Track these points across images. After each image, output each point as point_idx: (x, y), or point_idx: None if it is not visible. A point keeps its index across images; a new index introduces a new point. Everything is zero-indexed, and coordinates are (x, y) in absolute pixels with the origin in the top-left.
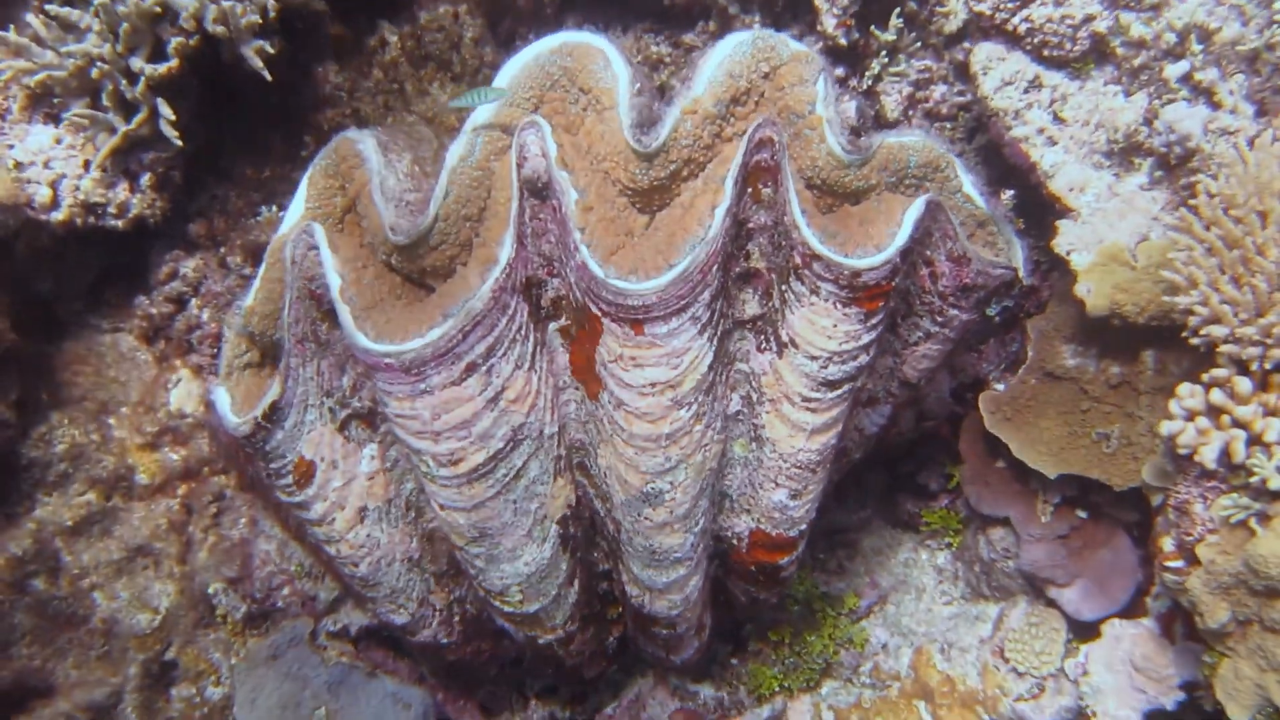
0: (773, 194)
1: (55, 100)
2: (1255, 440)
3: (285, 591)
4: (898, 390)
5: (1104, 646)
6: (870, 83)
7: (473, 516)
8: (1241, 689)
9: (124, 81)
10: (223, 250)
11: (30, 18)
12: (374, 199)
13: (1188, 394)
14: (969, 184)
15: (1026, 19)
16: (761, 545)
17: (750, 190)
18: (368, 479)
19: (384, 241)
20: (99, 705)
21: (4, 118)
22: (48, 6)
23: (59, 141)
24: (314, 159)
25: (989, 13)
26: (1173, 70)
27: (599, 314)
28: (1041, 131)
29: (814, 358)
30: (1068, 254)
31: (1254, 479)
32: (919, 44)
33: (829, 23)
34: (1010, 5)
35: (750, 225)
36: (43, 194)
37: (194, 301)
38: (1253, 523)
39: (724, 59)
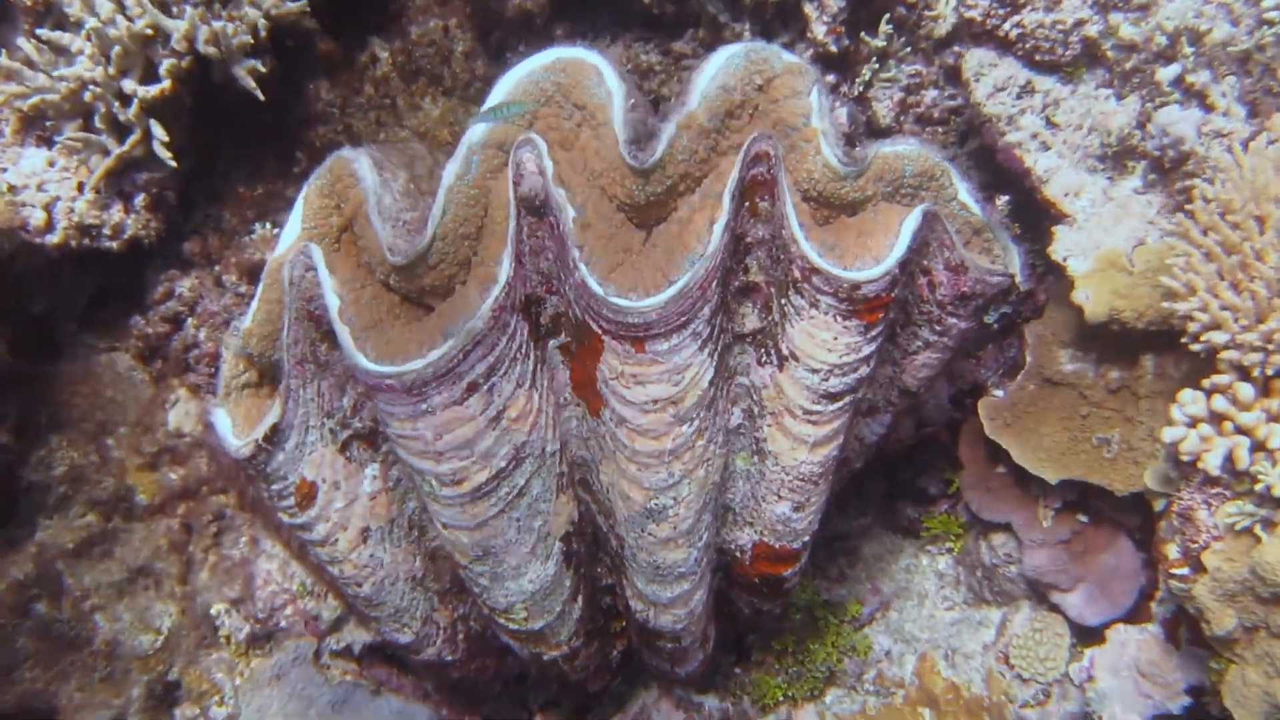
0: (770, 208)
1: (48, 123)
2: (1259, 446)
3: (288, 611)
4: (898, 399)
5: (1109, 652)
6: (861, 89)
7: (476, 535)
8: (1249, 695)
9: (117, 104)
10: (218, 268)
11: (21, 41)
12: (371, 219)
13: (1190, 400)
14: (964, 192)
15: (1018, 24)
16: (765, 557)
17: (748, 204)
18: (370, 499)
19: (382, 262)
20: None
21: None
22: (39, 31)
23: (52, 164)
24: (308, 178)
25: (980, 19)
26: (1165, 73)
27: (599, 332)
28: (1035, 137)
29: (815, 371)
30: (1065, 260)
31: (1259, 486)
32: (909, 49)
33: (819, 30)
34: (1001, 11)
35: (748, 239)
36: (37, 217)
37: (190, 321)
38: (1258, 529)
39: (717, 72)
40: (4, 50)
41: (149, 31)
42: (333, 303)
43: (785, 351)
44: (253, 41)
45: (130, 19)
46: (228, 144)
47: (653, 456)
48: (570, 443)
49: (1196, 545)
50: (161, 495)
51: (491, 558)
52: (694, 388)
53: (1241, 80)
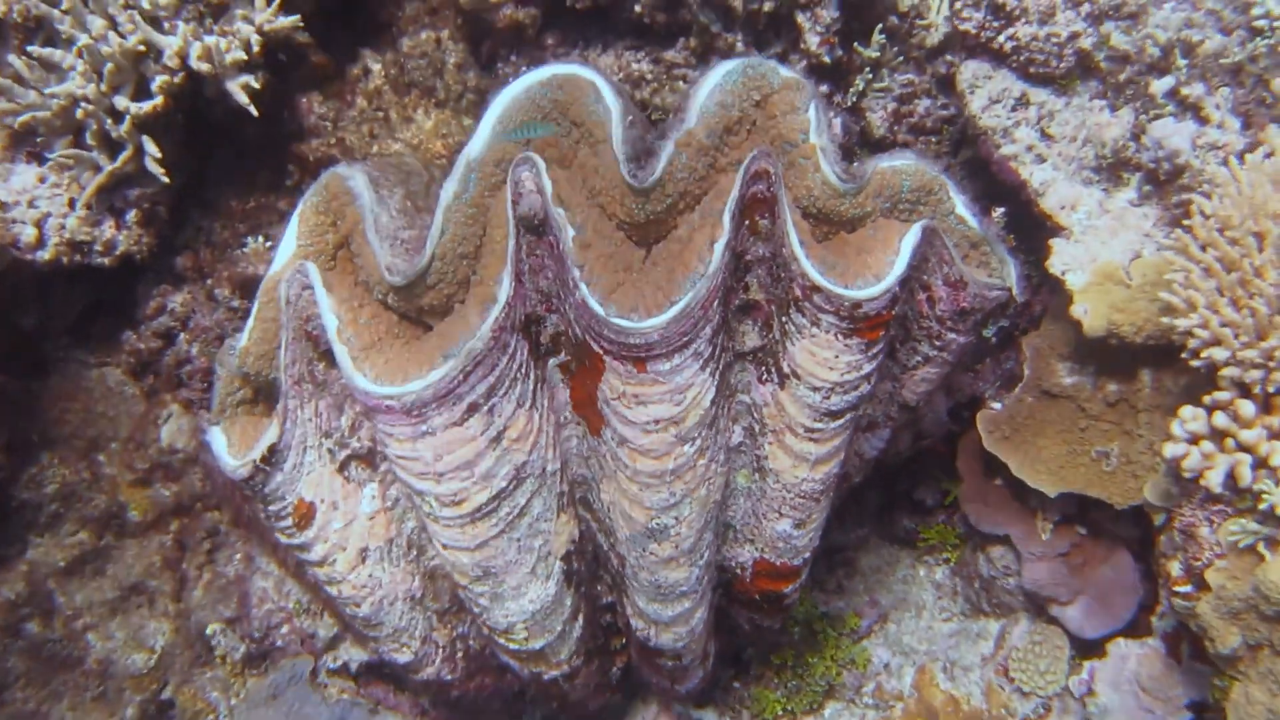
0: (770, 225)
1: (38, 139)
2: (1261, 464)
3: (284, 630)
4: (897, 414)
5: (1110, 666)
6: (855, 99)
7: (476, 556)
8: (1254, 713)
9: (109, 120)
10: (210, 283)
11: (12, 58)
12: (368, 238)
13: (1190, 417)
14: (961, 205)
15: (1012, 37)
16: (765, 574)
17: (748, 222)
18: (369, 519)
19: (380, 281)
20: None
21: None
22: (29, 48)
23: (43, 180)
24: (303, 195)
25: (974, 31)
26: (1159, 85)
27: (600, 352)
28: (1030, 149)
29: (816, 389)
30: (1063, 274)
31: (1263, 505)
32: (901, 58)
33: (812, 41)
34: (995, 24)
35: (748, 257)
36: (28, 234)
37: (183, 336)
38: (1261, 548)
39: (714, 88)
40: None
41: (141, 48)
42: (331, 323)
43: (786, 370)
44: (246, 58)
45: (122, 35)
46: (219, 157)
47: (654, 476)
48: (571, 461)
49: (1199, 563)
50: (154, 512)
51: (492, 578)
52: (696, 407)
53: (1235, 91)
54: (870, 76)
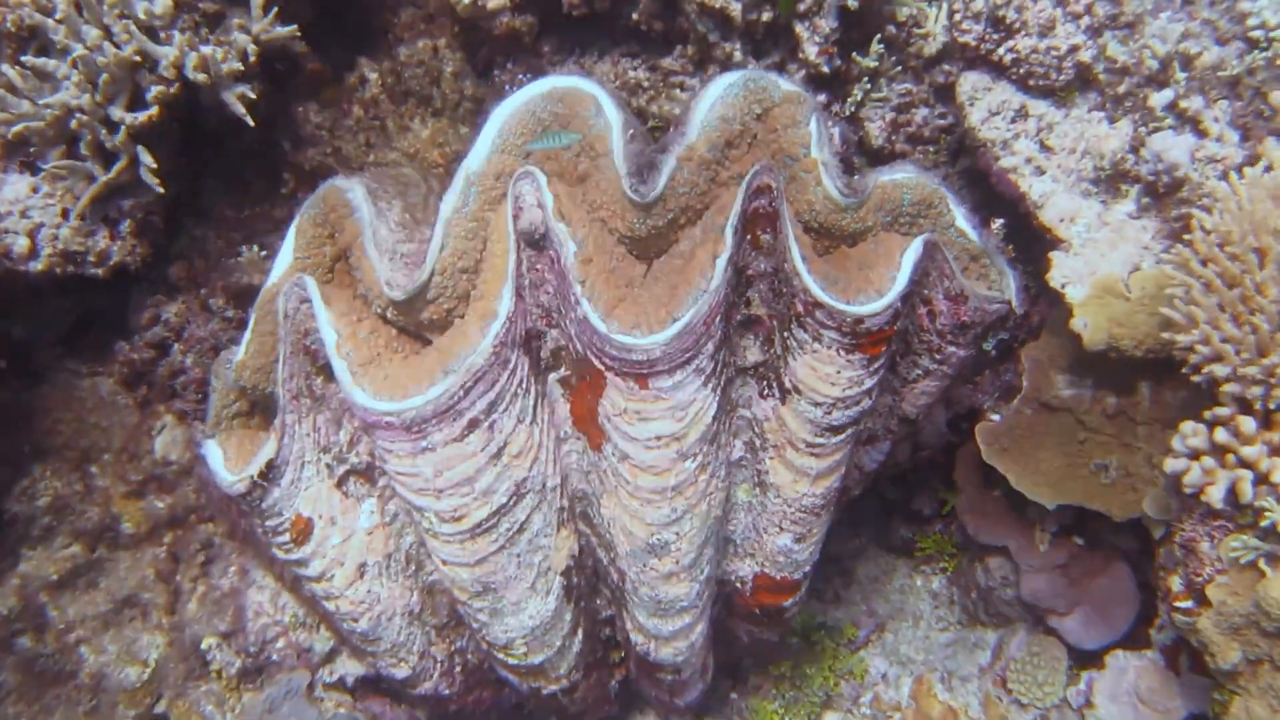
0: (772, 240)
1: (31, 149)
2: (1262, 480)
3: (280, 644)
4: (897, 427)
5: (1108, 678)
6: (853, 109)
7: (476, 571)
8: None
9: (103, 130)
10: (204, 292)
11: (5, 67)
12: (368, 252)
13: (1191, 432)
14: (961, 218)
15: (1012, 49)
16: (766, 588)
17: (749, 237)
18: (367, 534)
19: (380, 296)
20: None
21: None
22: (23, 57)
23: (36, 190)
24: (301, 208)
25: (974, 44)
26: (1158, 99)
27: (602, 368)
28: (1029, 161)
29: (818, 404)
30: (1063, 287)
31: (1265, 522)
32: (899, 67)
33: (811, 50)
34: (995, 36)
35: (750, 272)
36: (20, 244)
37: (177, 347)
38: (1262, 564)
39: (715, 102)
40: None
41: (137, 58)
42: (329, 337)
43: (788, 385)
44: (243, 68)
45: (117, 45)
46: (214, 165)
47: (656, 492)
48: (571, 476)
49: (1201, 579)
50: (148, 524)
51: (491, 593)
52: (697, 424)
53: (1233, 104)
54: (868, 86)
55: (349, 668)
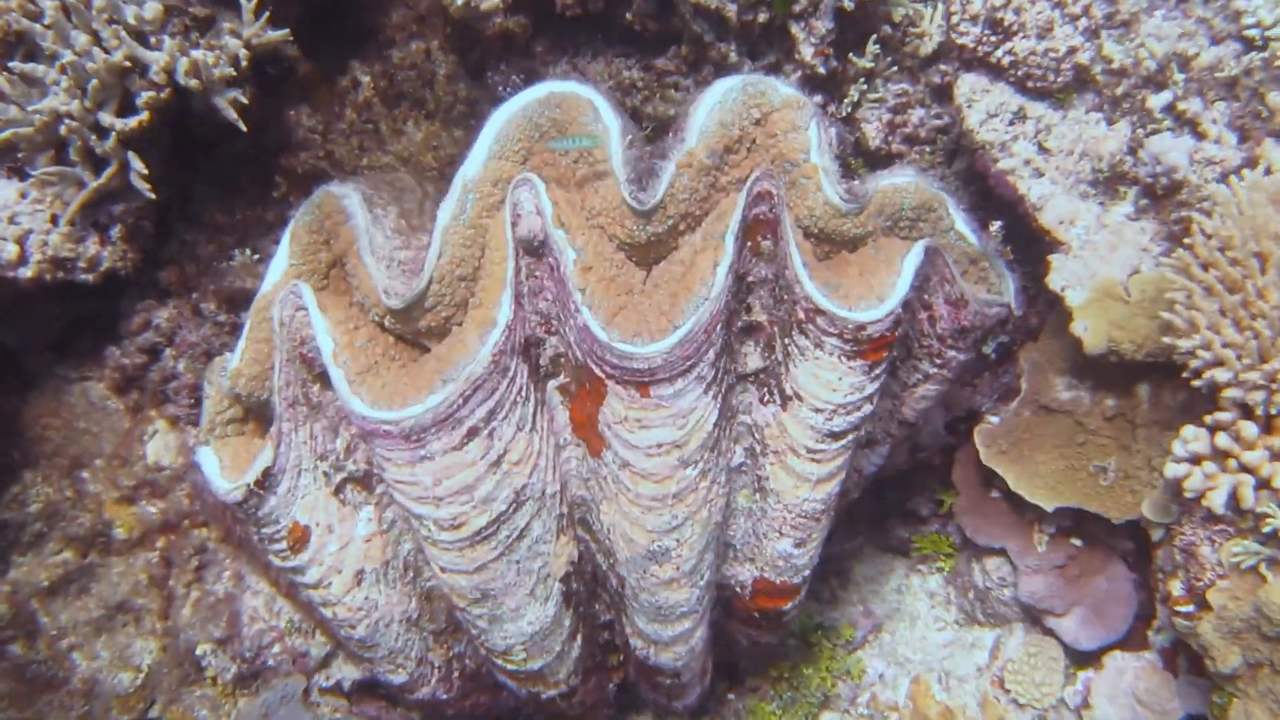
0: (773, 247)
1: (19, 155)
2: (1263, 485)
3: (276, 649)
4: (896, 430)
5: (1106, 679)
6: (849, 110)
7: (475, 579)
8: None
9: (93, 136)
10: (195, 297)
11: None
12: (364, 260)
13: (1192, 437)
14: (961, 221)
15: (1010, 52)
16: (765, 593)
17: (750, 244)
18: (364, 542)
19: (377, 304)
20: None
21: None
22: (10, 63)
23: (24, 196)
24: (296, 214)
25: (972, 45)
26: (1156, 100)
27: (603, 376)
28: (1028, 163)
29: (819, 410)
30: (1062, 291)
31: (1267, 528)
32: (894, 67)
33: (807, 51)
34: (993, 39)
35: (750, 279)
36: (9, 251)
37: (168, 352)
38: (1263, 569)
39: (714, 107)
40: None
41: (127, 63)
42: (327, 346)
43: (789, 391)
44: (235, 74)
45: (107, 51)
46: (204, 169)
47: (656, 499)
48: (570, 483)
49: (1202, 583)
50: (140, 529)
51: (490, 600)
52: (699, 431)
53: (1230, 105)
54: (864, 87)
55: (345, 672)
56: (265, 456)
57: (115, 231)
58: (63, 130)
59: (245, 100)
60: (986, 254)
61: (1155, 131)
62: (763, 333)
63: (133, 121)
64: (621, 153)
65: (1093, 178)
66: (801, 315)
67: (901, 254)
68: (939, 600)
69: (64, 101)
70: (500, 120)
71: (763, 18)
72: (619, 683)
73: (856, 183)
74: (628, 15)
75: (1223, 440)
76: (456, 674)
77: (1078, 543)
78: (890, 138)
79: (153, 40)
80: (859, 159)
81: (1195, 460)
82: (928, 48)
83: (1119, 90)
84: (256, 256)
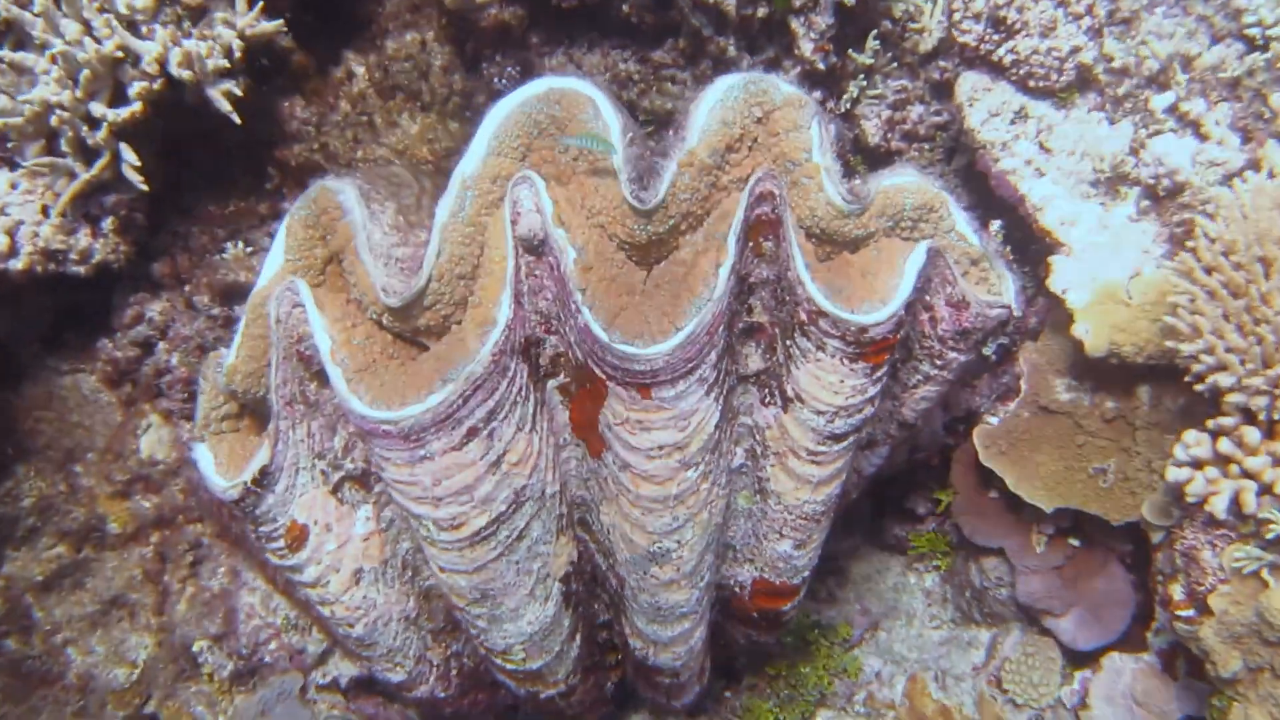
0: (774, 248)
1: (9, 145)
2: (1265, 490)
3: (272, 646)
4: (896, 432)
5: (1104, 680)
6: (849, 106)
7: (475, 579)
8: None
9: (84, 127)
10: (188, 289)
11: None
12: (362, 257)
13: (1194, 442)
14: (962, 222)
15: (1012, 50)
16: (764, 593)
17: (751, 244)
18: (363, 541)
19: (375, 302)
20: None
21: None
22: (0, 52)
23: (14, 187)
24: (291, 209)
25: (974, 44)
26: (1159, 101)
27: (603, 377)
28: (1029, 163)
29: (820, 413)
30: (1064, 293)
31: (1270, 535)
32: (894, 63)
33: (806, 47)
34: (996, 37)
35: (752, 280)
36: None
37: (162, 345)
38: (1265, 574)
39: (715, 105)
40: None
41: (119, 54)
42: (324, 343)
43: (790, 393)
44: (229, 65)
45: (98, 41)
46: (196, 160)
47: (657, 501)
48: (570, 483)
49: (1203, 588)
50: (134, 524)
51: (490, 600)
52: (700, 433)
53: (1233, 106)
54: (864, 83)
55: (342, 669)
56: (262, 455)
57: (107, 223)
58: (54, 121)
59: (239, 92)
60: (987, 255)
61: (1158, 132)
62: (764, 334)
63: (125, 112)
64: (622, 151)
65: (1094, 178)
66: (803, 317)
67: (904, 255)
68: (935, 599)
69: (55, 91)
70: (498, 116)
71: (762, 12)
72: (617, 681)
73: (858, 182)
74: (624, 7)
75: (1225, 445)
76: (455, 672)
77: (1075, 543)
78: (889, 134)
79: (145, 30)
80: (858, 155)
81: (1197, 465)
82: (928, 44)
83: (1121, 90)
84: (250, 249)
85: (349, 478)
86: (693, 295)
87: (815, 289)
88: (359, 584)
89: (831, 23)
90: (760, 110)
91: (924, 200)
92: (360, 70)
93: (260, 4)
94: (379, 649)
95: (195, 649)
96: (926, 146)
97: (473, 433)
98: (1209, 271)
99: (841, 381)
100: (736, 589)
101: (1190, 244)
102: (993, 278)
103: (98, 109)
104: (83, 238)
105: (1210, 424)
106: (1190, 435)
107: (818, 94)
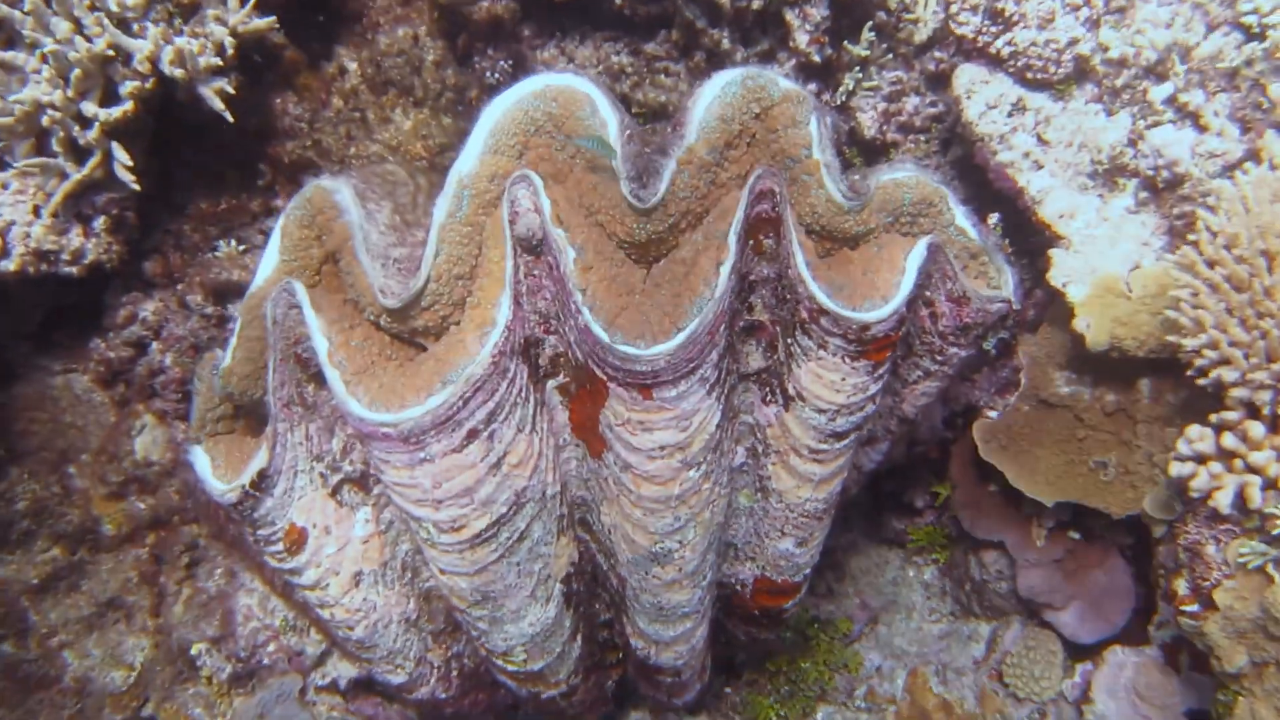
0: (775, 245)
1: None
2: (1270, 485)
3: (271, 648)
4: (896, 427)
5: (1106, 673)
6: (844, 98)
7: (476, 581)
8: None
9: (76, 126)
10: (181, 288)
11: None
12: (359, 258)
13: (1197, 436)
14: (961, 216)
15: (1010, 43)
16: (766, 591)
17: (752, 242)
18: (362, 543)
19: (373, 303)
20: None
21: None
22: None
23: (5, 188)
24: (286, 208)
25: (971, 36)
26: (1157, 93)
27: (604, 378)
28: (1027, 155)
29: (822, 411)
30: (1064, 286)
31: (1276, 531)
32: (889, 54)
33: (802, 39)
34: (993, 29)
35: (752, 278)
36: None
37: (155, 345)
38: (1270, 569)
39: (713, 101)
40: None
41: (110, 52)
42: (321, 345)
43: (792, 392)
44: (221, 63)
45: (89, 39)
46: (187, 157)
47: (659, 501)
48: (570, 484)
49: (1208, 583)
50: (129, 525)
51: (491, 602)
52: (701, 432)
53: (1231, 96)
54: (859, 75)
55: (341, 670)
56: (260, 458)
57: (99, 223)
58: (45, 120)
59: (231, 89)
60: (986, 248)
61: (1156, 123)
62: (765, 332)
63: (116, 112)
64: (621, 149)
65: (1091, 170)
66: (805, 315)
67: (905, 251)
68: (934, 592)
69: (46, 91)
70: (495, 114)
71: (756, 4)
72: (617, 680)
73: (857, 178)
74: (617, 0)
75: (1229, 440)
76: (455, 673)
77: (1076, 536)
78: (885, 127)
79: (136, 28)
80: (854, 148)
81: (1200, 460)
82: (922, 34)
83: (1119, 81)
84: (242, 247)
85: (348, 480)
86: (694, 294)
87: (816, 287)
88: (359, 586)
89: (826, 14)
90: (759, 106)
91: (923, 195)
92: (353, 66)
93: (252, 1)
94: (379, 651)
95: (193, 652)
96: (922, 138)
97: (473, 435)
98: (1211, 265)
99: (843, 379)
100: (738, 587)
101: (1192, 237)
102: (992, 271)
103: (89, 108)
104: (75, 238)
105: (1213, 418)
106: (1193, 430)
107: (813, 86)
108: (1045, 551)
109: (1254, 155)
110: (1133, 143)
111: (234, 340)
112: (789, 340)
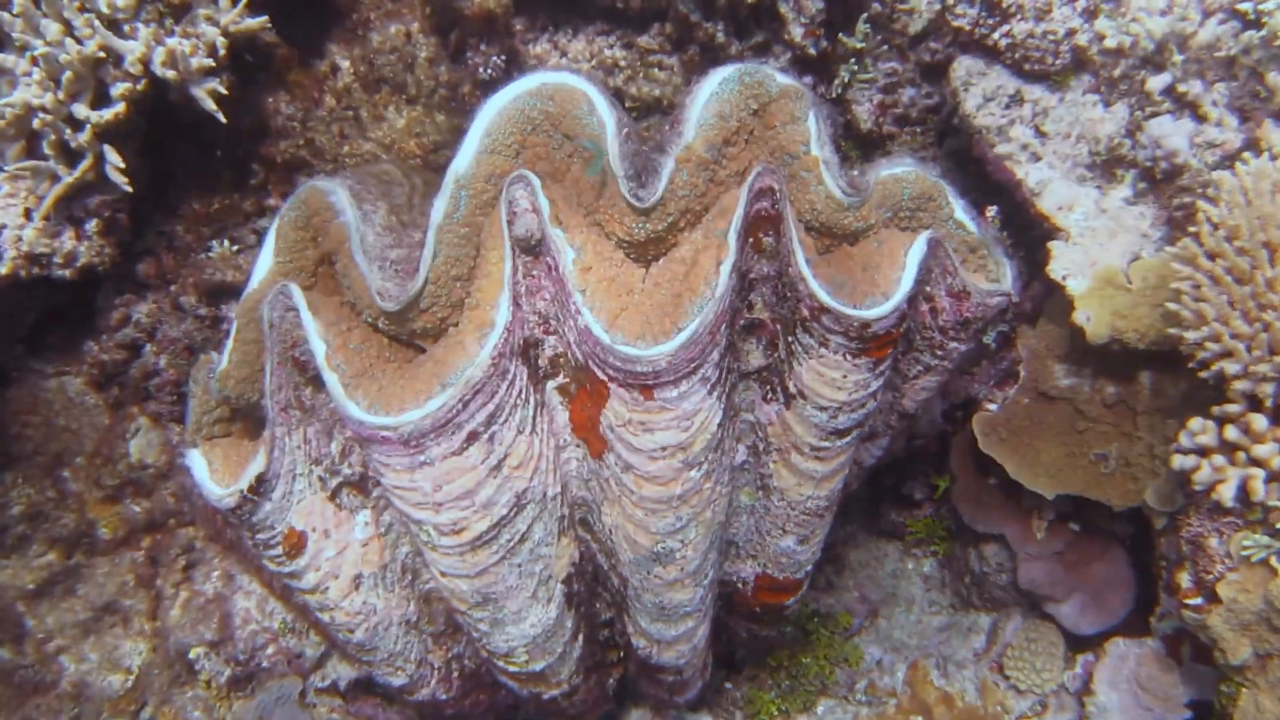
0: (774, 243)
1: None
2: (1273, 478)
3: (270, 651)
4: (896, 422)
5: (1108, 665)
6: (840, 90)
7: (476, 583)
8: None
9: (67, 129)
10: (174, 289)
11: None
12: (356, 260)
13: (1200, 429)
14: (960, 210)
15: (1007, 34)
16: (767, 589)
17: (752, 240)
18: (362, 546)
19: (370, 306)
20: None
21: None
22: None
23: None
24: (280, 210)
25: (968, 27)
26: (1155, 83)
27: (605, 379)
28: (1025, 148)
29: (823, 408)
30: (1063, 279)
31: (1279, 523)
32: (884, 46)
33: (796, 32)
34: (990, 21)
35: (753, 276)
36: None
37: (149, 347)
38: (1274, 561)
39: (710, 98)
40: None
41: (101, 54)
42: (319, 348)
43: (793, 390)
44: (213, 63)
45: (80, 41)
46: (179, 157)
47: (660, 502)
48: (570, 484)
49: (1211, 576)
50: (125, 529)
51: (492, 604)
52: (703, 432)
53: (1229, 85)
54: (855, 68)
55: (341, 672)
56: (258, 462)
57: (91, 226)
58: (36, 123)
59: (224, 90)
60: (985, 242)
61: (1154, 114)
62: (765, 330)
63: (108, 114)
64: (619, 148)
65: (1090, 161)
66: (806, 313)
67: (905, 247)
68: (934, 584)
69: (37, 94)
70: (490, 113)
71: None
72: (619, 678)
73: (856, 173)
74: None
75: (1231, 433)
76: (456, 674)
77: (1076, 528)
78: (881, 119)
79: (127, 29)
80: (850, 141)
81: (1202, 452)
82: (917, 25)
83: (1116, 71)
84: (236, 248)
85: (347, 483)
86: (694, 294)
87: (817, 285)
88: (359, 589)
89: (821, 6)
90: (756, 102)
91: (922, 190)
92: (345, 64)
93: (244, 0)
94: (380, 654)
95: (191, 655)
96: (918, 130)
97: (473, 437)
98: (1212, 257)
99: (844, 377)
100: (739, 585)
101: (1192, 229)
102: (991, 265)
103: (80, 111)
104: (67, 240)
105: (1215, 411)
106: (1195, 422)
107: (808, 79)
108: (1046, 544)
109: (1253, 144)
110: (1131, 133)
111: (230, 343)
112: (790, 338)
